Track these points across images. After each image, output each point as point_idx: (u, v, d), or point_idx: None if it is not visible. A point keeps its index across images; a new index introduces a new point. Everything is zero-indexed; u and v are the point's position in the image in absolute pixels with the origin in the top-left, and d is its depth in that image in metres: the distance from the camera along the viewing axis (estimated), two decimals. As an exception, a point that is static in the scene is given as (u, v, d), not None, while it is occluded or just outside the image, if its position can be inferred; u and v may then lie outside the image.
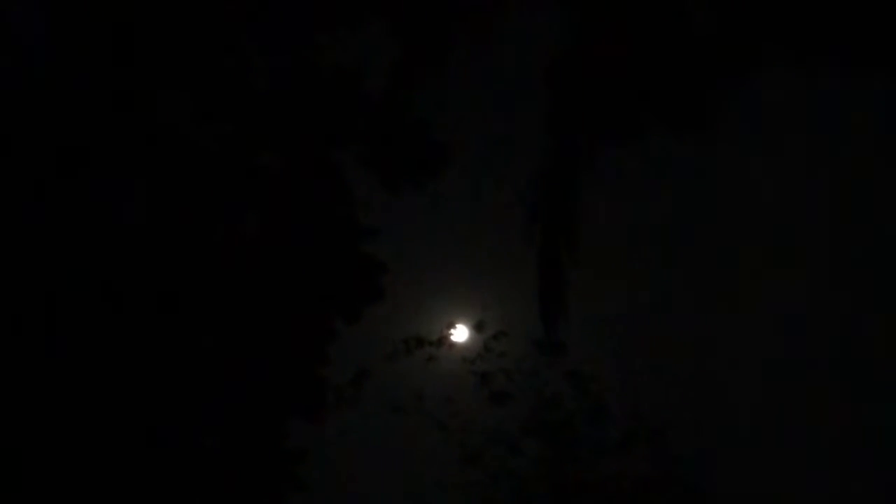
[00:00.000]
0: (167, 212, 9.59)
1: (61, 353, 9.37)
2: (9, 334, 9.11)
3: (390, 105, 10.04)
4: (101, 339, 9.43)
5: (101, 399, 9.42)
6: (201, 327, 9.76)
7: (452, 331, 12.03)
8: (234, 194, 9.93)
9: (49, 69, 9.38)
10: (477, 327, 12.04)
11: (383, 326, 11.10)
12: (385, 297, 10.44)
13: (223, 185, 9.84)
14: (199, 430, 9.94)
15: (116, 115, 9.46)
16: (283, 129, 10.04)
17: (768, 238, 11.65)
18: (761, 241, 11.65)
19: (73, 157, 9.37)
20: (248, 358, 9.87)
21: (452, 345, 12.02)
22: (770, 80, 9.99)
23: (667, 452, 11.61)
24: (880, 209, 11.36)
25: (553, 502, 11.65)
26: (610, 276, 11.39)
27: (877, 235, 11.28)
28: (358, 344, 10.79)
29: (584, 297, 10.59)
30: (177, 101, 9.79)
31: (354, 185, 10.25)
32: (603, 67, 10.06)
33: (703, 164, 11.02)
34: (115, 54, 9.49)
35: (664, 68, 9.94)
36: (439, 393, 11.75)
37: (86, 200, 9.42)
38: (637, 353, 11.54)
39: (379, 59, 10.03)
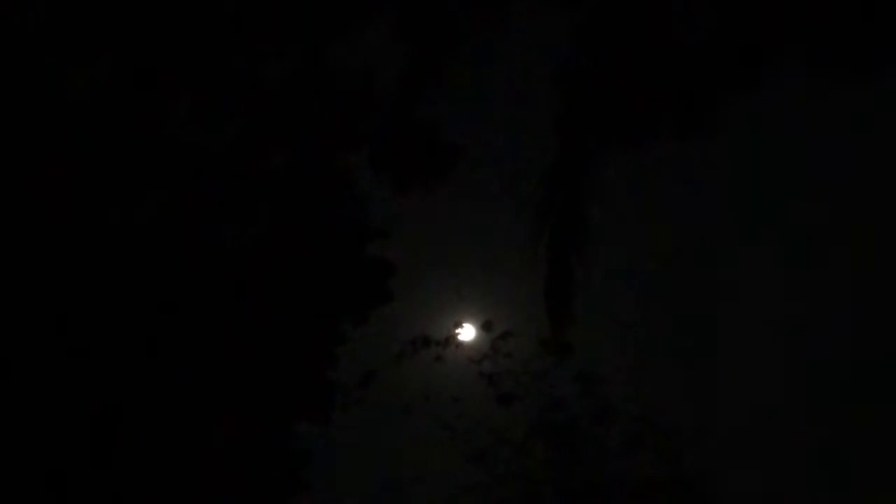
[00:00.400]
0: (175, 213, 9.60)
1: (69, 353, 9.38)
2: (22, 333, 9.13)
3: (399, 107, 10.05)
4: (110, 340, 9.44)
5: (110, 399, 9.43)
6: (209, 328, 9.78)
7: (459, 330, 12.01)
8: (242, 196, 9.95)
9: (56, 69, 9.39)
10: (484, 327, 12.03)
11: (391, 326, 11.10)
12: (393, 297, 10.47)
13: (231, 187, 9.85)
14: (206, 430, 9.95)
15: (124, 116, 9.47)
16: (291, 130, 10.06)
17: (773, 239, 11.67)
18: (765, 242, 11.67)
19: (79, 158, 9.38)
20: (256, 359, 9.89)
21: (459, 344, 12.00)
22: (773, 82, 10.01)
23: (672, 454, 11.62)
24: (881, 209, 11.38)
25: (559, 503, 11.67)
26: (617, 277, 11.42)
27: (878, 236, 11.30)
28: (365, 344, 10.81)
29: (591, 298, 10.60)
30: (185, 103, 9.80)
31: (363, 186, 10.28)
32: (610, 70, 10.07)
33: (709, 166, 11.04)
34: (123, 56, 9.51)
35: (670, 71, 9.96)
36: (446, 394, 11.74)
37: (93, 203, 9.42)
38: (643, 355, 11.57)
39: (388, 60, 10.04)
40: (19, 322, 9.03)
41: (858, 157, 11.19)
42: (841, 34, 9.34)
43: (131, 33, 9.31)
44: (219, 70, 9.69)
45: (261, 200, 9.99)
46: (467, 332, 12.02)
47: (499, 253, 11.43)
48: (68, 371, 9.22)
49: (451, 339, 11.97)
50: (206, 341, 9.70)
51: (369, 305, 10.37)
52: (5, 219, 9.00)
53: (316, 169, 10.12)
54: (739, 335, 11.60)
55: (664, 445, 11.62)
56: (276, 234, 10.06)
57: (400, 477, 11.22)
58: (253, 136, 9.85)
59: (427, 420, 11.57)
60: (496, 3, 9.99)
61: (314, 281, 10.11)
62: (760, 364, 11.57)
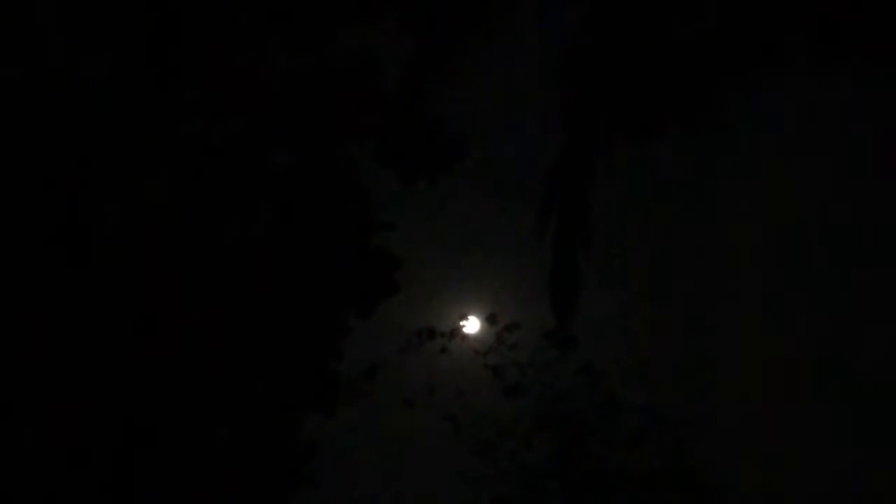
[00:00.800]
0: (181, 208, 9.61)
1: (74, 347, 9.42)
2: (20, 329, 9.16)
3: (405, 100, 10.03)
4: (115, 335, 9.48)
5: (117, 393, 9.47)
6: (216, 322, 9.80)
7: (465, 322, 12.03)
8: (247, 190, 9.95)
9: (57, 65, 9.39)
10: (489, 319, 12.04)
11: (396, 318, 11.10)
12: (398, 290, 10.47)
13: (237, 181, 9.86)
14: (210, 425, 9.99)
15: (124, 112, 9.48)
16: (297, 124, 10.05)
17: (775, 237, 11.68)
18: (767, 240, 11.68)
19: (86, 156, 9.39)
20: (260, 353, 9.91)
21: (465, 336, 12.02)
22: (774, 81, 9.96)
23: (678, 448, 11.63)
24: (880, 209, 11.36)
25: (564, 496, 11.68)
26: (622, 271, 11.42)
27: (877, 235, 11.29)
28: (371, 336, 10.81)
29: (596, 291, 10.60)
30: (187, 98, 9.80)
31: (369, 179, 10.27)
32: (614, 66, 10.04)
33: (712, 163, 11.04)
34: (124, 51, 9.50)
35: (673, 68, 9.92)
36: (451, 386, 11.76)
37: (97, 199, 9.44)
38: (647, 348, 11.58)
39: (394, 54, 10.02)
40: (18, 319, 9.07)
41: (859, 156, 11.17)
42: (844, 33, 9.29)
43: (132, 28, 9.30)
44: (221, 64, 9.68)
45: (265, 193, 9.99)
46: (472, 325, 12.05)
47: (504, 246, 11.47)
48: (68, 368, 9.26)
49: (456, 331, 11.98)
50: (210, 335, 9.72)
51: (374, 298, 10.37)
52: (5, 217, 9.03)
53: (320, 162, 10.12)
54: (742, 329, 11.63)
55: (669, 438, 11.63)
56: (281, 228, 10.06)
57: (404, 469, 11.26)
58: (257, 130, 9.84)
59: (432, 412, 11.60)
60: (501, -1, 9.97)
61: (319, 274, 10.11)
62: (763, 358, 11.58)
